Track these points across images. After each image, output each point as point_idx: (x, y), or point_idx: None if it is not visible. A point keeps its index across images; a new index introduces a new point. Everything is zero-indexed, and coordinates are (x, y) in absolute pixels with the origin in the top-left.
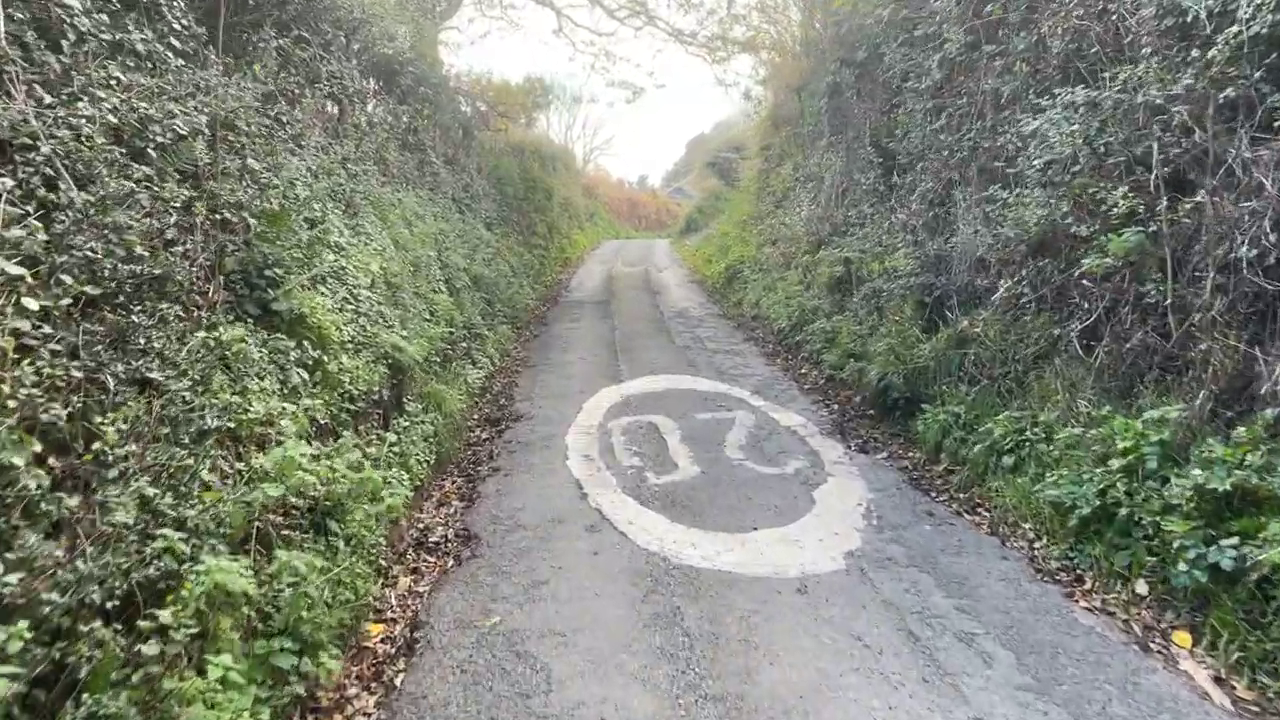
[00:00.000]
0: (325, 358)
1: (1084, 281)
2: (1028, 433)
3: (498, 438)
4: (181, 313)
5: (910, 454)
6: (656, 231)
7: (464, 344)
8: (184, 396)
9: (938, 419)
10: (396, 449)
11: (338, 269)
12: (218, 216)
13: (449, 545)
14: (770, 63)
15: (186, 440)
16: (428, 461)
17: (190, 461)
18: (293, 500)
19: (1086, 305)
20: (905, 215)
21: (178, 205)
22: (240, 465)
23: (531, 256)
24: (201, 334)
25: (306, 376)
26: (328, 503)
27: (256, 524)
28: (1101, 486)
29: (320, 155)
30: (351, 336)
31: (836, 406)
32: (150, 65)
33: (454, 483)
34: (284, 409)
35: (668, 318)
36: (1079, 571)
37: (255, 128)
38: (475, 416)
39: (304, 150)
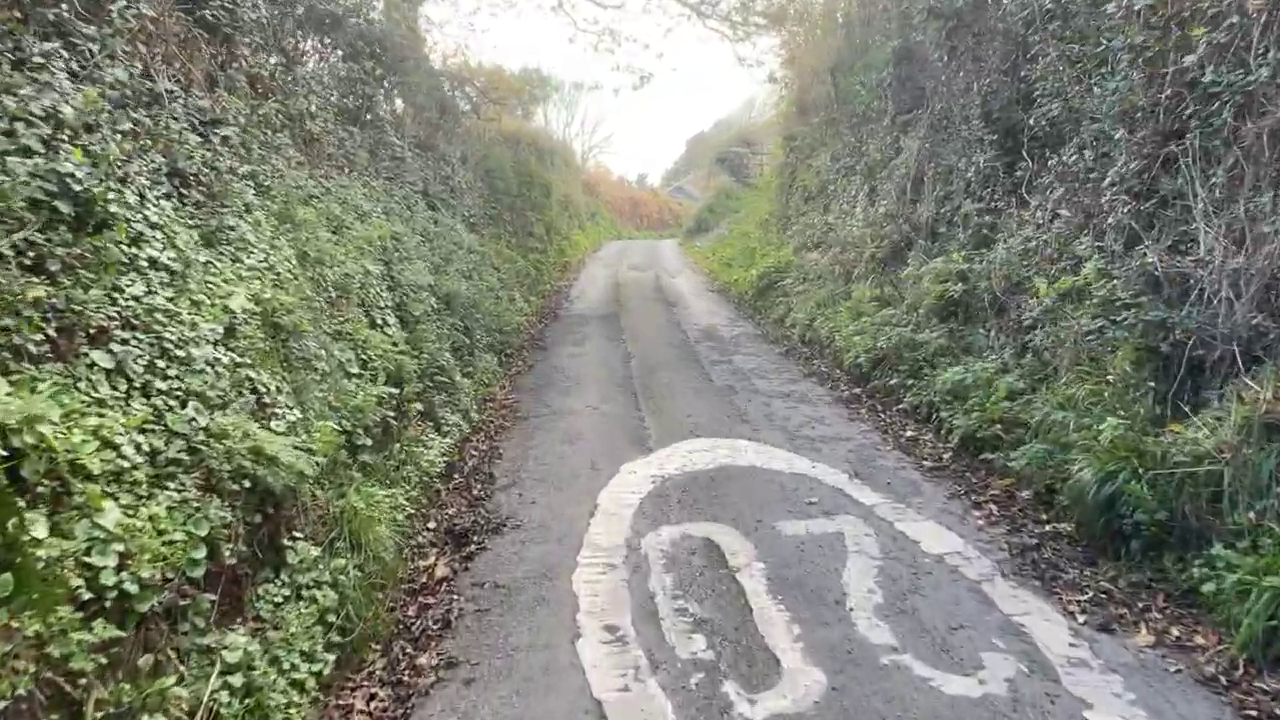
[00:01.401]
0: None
1: None
2: None
3: (462, 571)
4: None
5: (1199, 636)
6: (658, 231)
7: (423, 398)
8: None
9: (1262, 585)
10: (241, 677)
11: (145, 311)
12: None
13: None
14: (793, 43)
15: None
16: (314, 676)
17: None
18: None
19: None
20: (1072, 211)
21: None
22: None
23: (527, 262)
24: None
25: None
26: None
27: None
28: None
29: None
30: (148, 455)
31: (994, 509)
32: None
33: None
34: None
35: (694, 339)
36: None
37: None
38: (429, 528)
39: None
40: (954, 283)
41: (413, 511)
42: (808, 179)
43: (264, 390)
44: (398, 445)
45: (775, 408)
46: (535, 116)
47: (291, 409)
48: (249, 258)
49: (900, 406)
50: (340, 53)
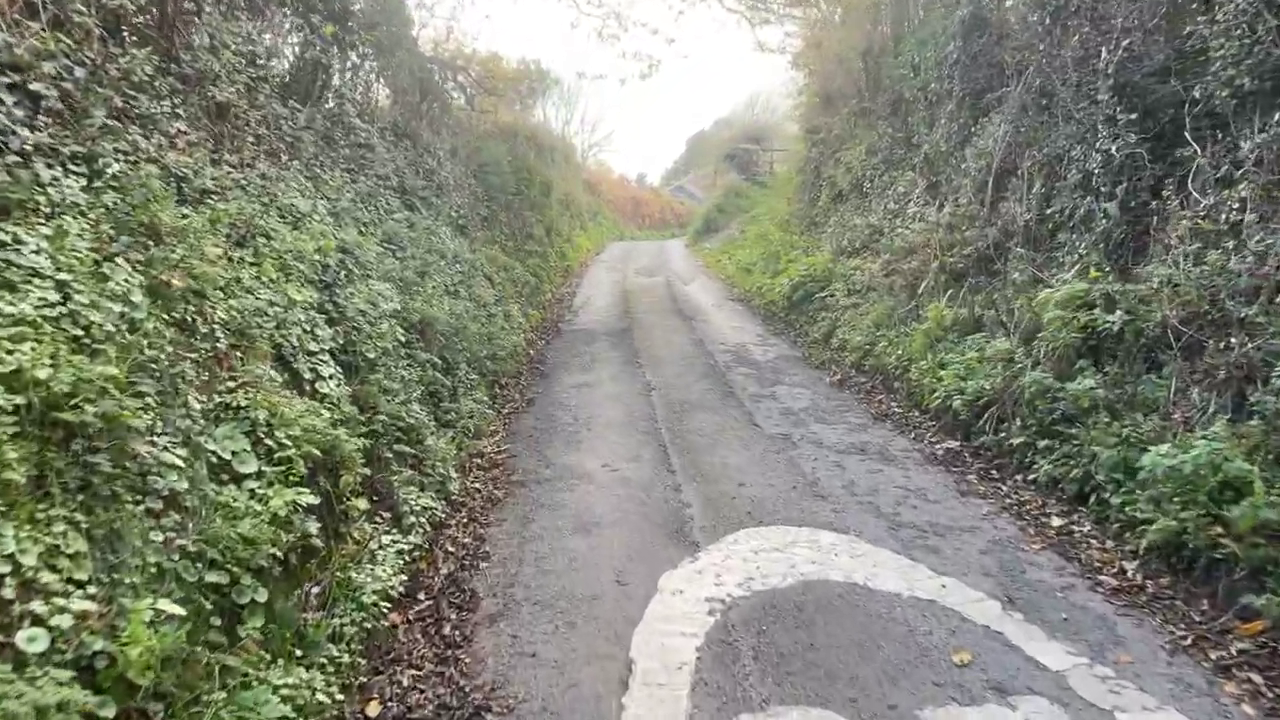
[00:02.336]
0: None
1: None
2: None
3: None
4: None
5: None
6: (661, 231)
7: (376, 483)
8: None
9: None
10: None
11: None
12: None
13: None
14: (819, 26)
15: None
16: None
17: None
18: None
19: None
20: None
21: None
22: None
23: (525, 269)
24: None
25: None
26: None
27: None
28: None
29: None
30: None
31: (1259, 681)
32: None
33: None
34: None
35: (723, 363)
36: None
37: None
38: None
39: None
40: (1102, 309)
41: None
42: (837, 175)
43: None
44: (325, 576)
45: (853, 471)
46: (534, 111)
47: (64, 597)
48: (18, 303)
49: (1031, 477)
50: (285, 7)
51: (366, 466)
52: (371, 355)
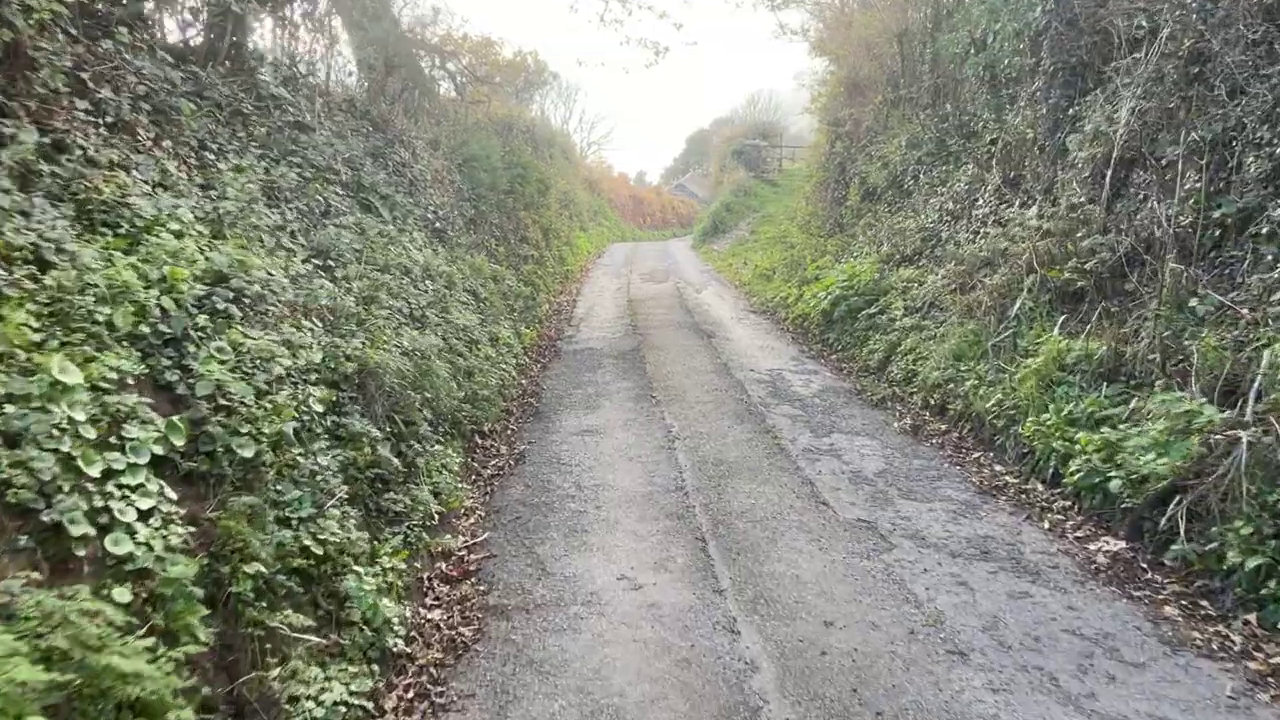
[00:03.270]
0: None
1: None
2: None
3: None
4: None
5: None
6: (663, 231)
7: (243, 667)
8: None
9: None
10: None
11: None
12: None
13: None
14: (845, 8)
15: None
16: None
17: None
18: None
19: None
20: None
21: None
22: None
23: (519, 277)
24: None
25: None
26: None
27: None
28: None
29: None
30: None
31: None
32: None
33: None
34: None
35: (758, 397)
36: None
37: None
38: None
39: None
40: None
41: None
42: (869, 171)
43: None
44: None
45: (987, 595)
46: (532, 106)
47: None
48: None
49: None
50: None
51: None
52: (248, 452)
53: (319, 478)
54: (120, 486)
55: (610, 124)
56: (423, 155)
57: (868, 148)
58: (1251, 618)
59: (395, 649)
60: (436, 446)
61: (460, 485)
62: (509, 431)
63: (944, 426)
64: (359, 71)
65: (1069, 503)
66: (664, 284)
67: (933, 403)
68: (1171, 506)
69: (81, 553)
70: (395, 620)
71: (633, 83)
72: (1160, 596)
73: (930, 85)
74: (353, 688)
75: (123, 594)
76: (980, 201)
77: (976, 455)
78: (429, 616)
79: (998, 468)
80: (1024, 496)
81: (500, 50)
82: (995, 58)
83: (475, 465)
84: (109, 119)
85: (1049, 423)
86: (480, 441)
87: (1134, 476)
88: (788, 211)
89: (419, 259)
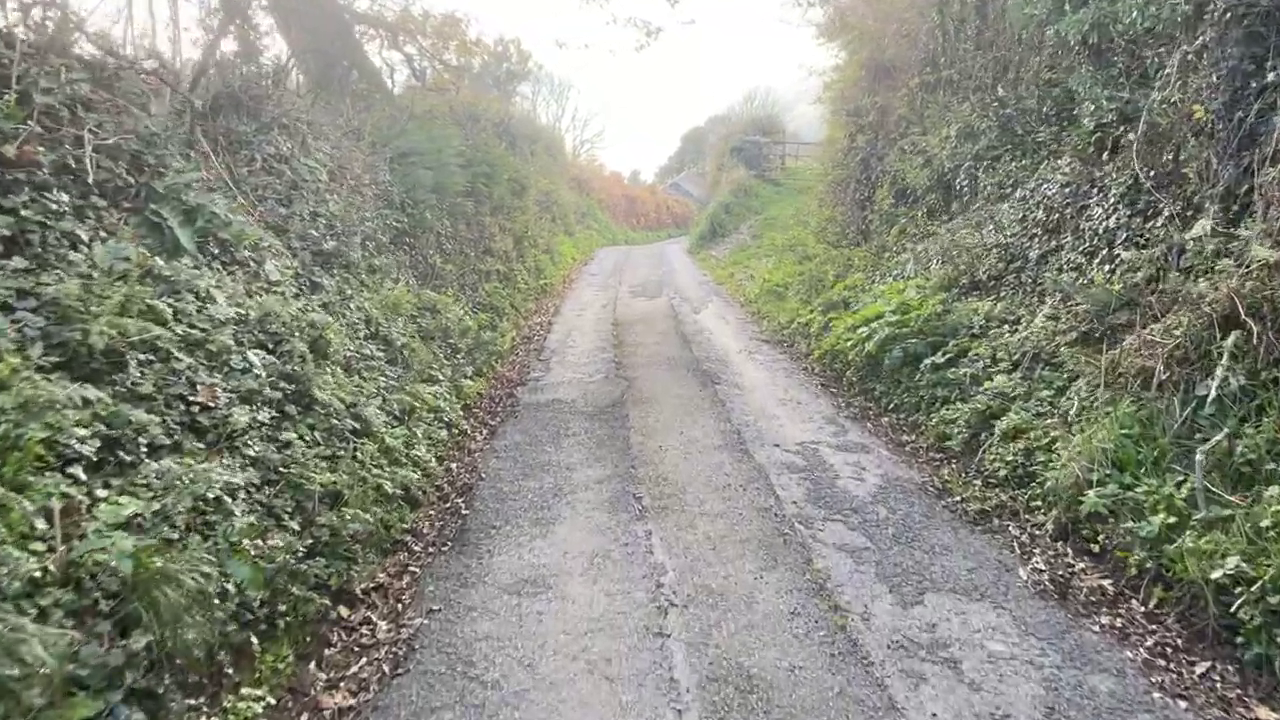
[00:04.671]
0: None
1: None
2: None
3: None
4: None
5: None
6: (657, 232)
7: None
8: None
9: None
10: None
11: None
12: None
13: None
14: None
15: None
16: None
17: None
18: None
19: None
20: None
21: None
22: None
23: (472, 306)
24: None
25: None
26: None
27: None
28: None
29: None
30: None
31: None
32: None
33: None
34: None
35: (791, 504)
36: None
37: None
38: None
39: None
40: None
41: None
42: (905, 169)
43: None
44: None
45: None
46: (515, 99)
47: None
48: None
49: None
50: None
51: None
52: None
53: None
54: None
55: (604, 121)
56: (325, 148)
57: (899, 141)
58: None
59: None
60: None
61: None
62: (401, 586)
63: (1109, 583)
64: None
65: None
66: (656, 300)
67: (1075, 526)
68: None
69: None
70: None
71: (627, 80)
72: None
73: (989, 62)
74: None
75: None
76: (1098, 211)
77: (1204, 669)
78: None
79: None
80: None
81: (466, 29)
82: (1109, 13)
83: (312, 683)
84: None
85: None
86: (344, 616)
87: None
88: (797, 214)
89: (264, 306)
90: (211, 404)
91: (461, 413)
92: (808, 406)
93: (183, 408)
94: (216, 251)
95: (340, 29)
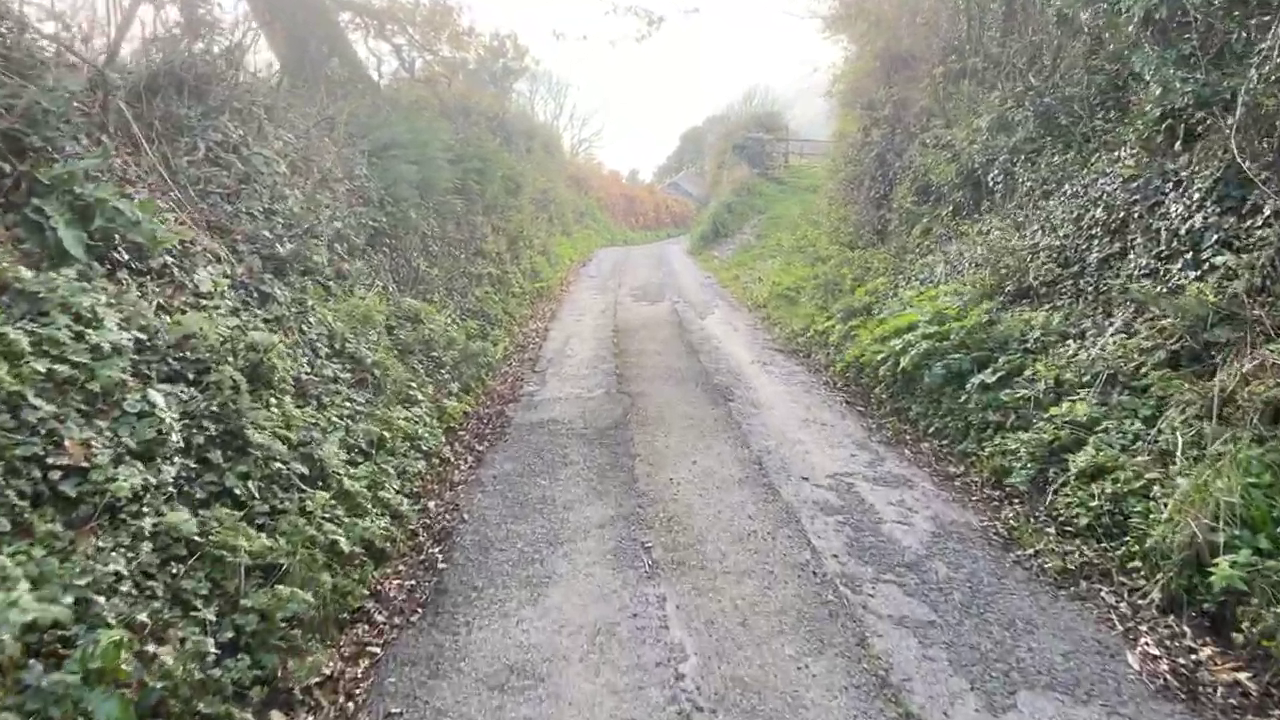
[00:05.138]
0: None
1: None
2: None
3: None
4: None
5: None
6: (656, 231)
7: None
8: None
9: None
10: None
11: None
12: None
13: None
14: None
15: None
16: None
17: None
18: None
19: None
20: None
21: None
22: None
23: (460, 314)
24: None
25: None
26: None
27: None
28: None
29: None
30: None
31: None
32: None
33: None
34: None
35: (828, 555)
36: None
37: None
38: None
39: None
40: None
41: None
42: (932, 164)
43: None
44: None
45: None
46: (512, 95)
47: None
48: None
49: None
50: None
51: None
52: None
53: None
54: None
55: (603, 119)
56: (288, 136)
57: (921, 135)
58: None
59: None
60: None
61: None
62: (355, 674)
63: (1249, 679)
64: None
65: None
66: (659, 304)
67: (1190, 597)
68: None
69: None
70: None
71: (626, 77)
72: None
73: (1023, 47)
74: None
75: None
76: (1176, 209)
77: None
78: None
79: None
80: None
81: (459, 19)
82: None
83: None
84: None
85: None
86: None
87: None
88: (804, 213)
89: (124, 339)
90: (85, 464)
91: (443, 438)
92: (834, 429)
93: (38, 474)
94: (125, 258)
95: (319, 10)
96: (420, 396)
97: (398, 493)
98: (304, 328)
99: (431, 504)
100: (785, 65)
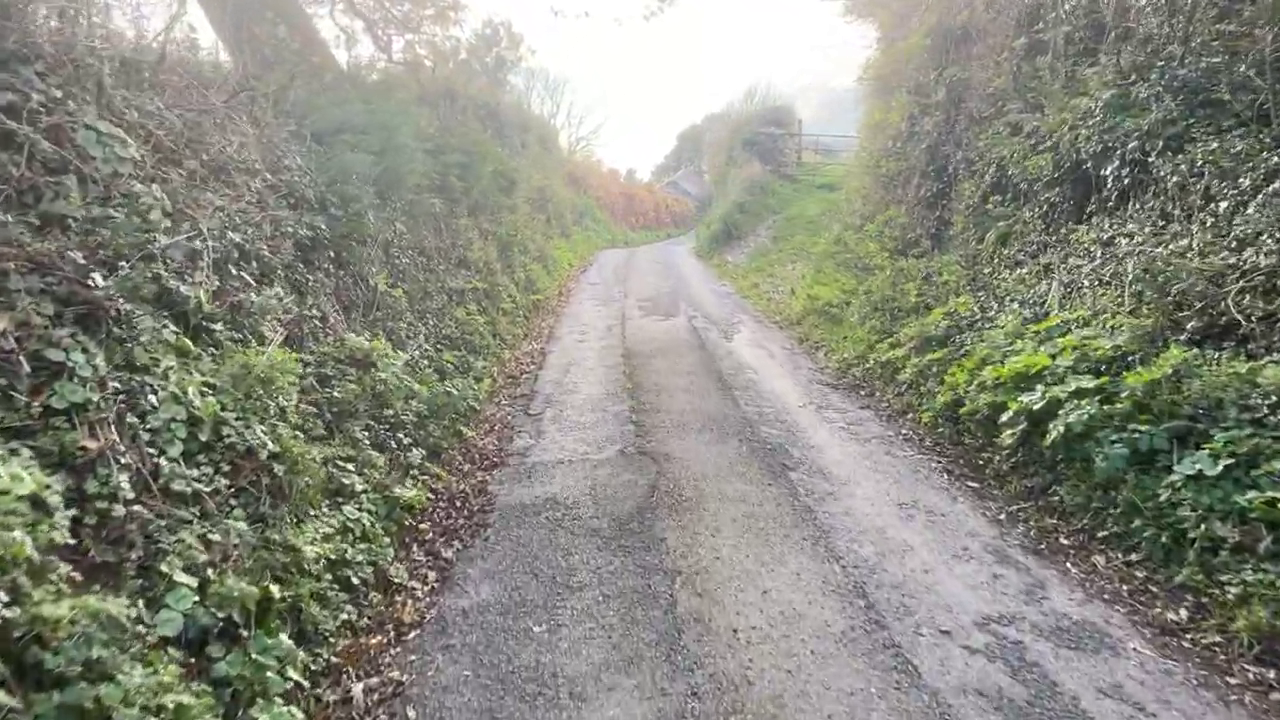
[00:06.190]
0: None
1: None
2: None
3: None
4: None
5: None
6: (656, 231)
7: None
8: None
9: None
10: None
11: None
12: None
13: None
14: None
15: None
16: None
17: None
18: None
19: None
20: None
21: None
22: None
23: (433, 344)
24: None
25: None
26: None
27: None
28: None
29: None
30: None
31: None
32: None
33: None
34: None
35: None
36: None
37: None
38: None
39: None
40: None
41: None
42: (1009, 155)
43: None
44: None
45: None
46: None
47: None
48: None
49: None
50: None
51: None
52: None
53: None
54: None
55: (601, 115)
56: (156, 106)
57: (994, 121)
58: None
59: None
60: None
61: None
62: None
63: None
64: None
65: None
66: (674, 320)
67: None
68: None
69: None
70: None
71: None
72: None
73: (1151, 4)
74: None
75: None
76: None
77: None
78: None
79: None
80: None
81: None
82: None
83: None
84: None
85: None
86: None
87: None
88: (828, 213)
89: None
90: None
91: (391, 551)
92: (948, 521)
93: None
94: None
95: None
96: (357, 487)
97: (282, 705)
98: (147, 414)
99: (356, 688)
100: (787, 61)
